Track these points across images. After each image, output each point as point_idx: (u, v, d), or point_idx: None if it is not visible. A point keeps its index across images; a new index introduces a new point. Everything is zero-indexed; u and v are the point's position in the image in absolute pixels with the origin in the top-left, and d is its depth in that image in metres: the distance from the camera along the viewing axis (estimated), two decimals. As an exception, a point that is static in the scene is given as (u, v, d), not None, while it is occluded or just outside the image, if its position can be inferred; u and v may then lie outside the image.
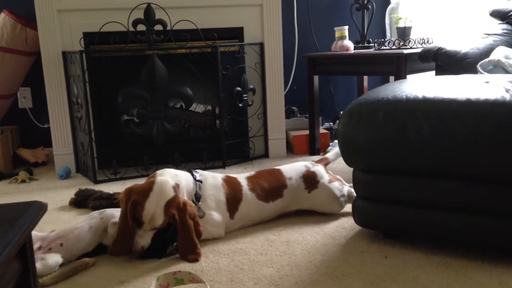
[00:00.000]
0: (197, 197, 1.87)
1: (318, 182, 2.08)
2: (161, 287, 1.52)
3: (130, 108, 3.21)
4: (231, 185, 1.98)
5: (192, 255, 1.72)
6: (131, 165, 2.93)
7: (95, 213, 1.87)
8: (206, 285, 1.51)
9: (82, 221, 1.82)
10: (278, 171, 2.11)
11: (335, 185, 2.09)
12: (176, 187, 1.75)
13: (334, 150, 2.29)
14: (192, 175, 1.92)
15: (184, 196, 1.80)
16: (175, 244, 1.77)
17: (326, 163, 2.24)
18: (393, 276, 1.56)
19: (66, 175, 2.96)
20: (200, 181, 1.91)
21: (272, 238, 1.91)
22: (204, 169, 2.81)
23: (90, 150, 2.82)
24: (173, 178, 1.78)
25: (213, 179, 1.97)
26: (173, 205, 1.70)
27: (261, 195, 2.01)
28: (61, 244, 1.71)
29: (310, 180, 2.08)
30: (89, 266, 1.71)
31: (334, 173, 2.22)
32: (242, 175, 2.09)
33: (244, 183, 2.02)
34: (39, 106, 3.42)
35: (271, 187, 2.04)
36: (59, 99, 3.01)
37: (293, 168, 2.12)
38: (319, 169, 2.13)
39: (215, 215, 1.90)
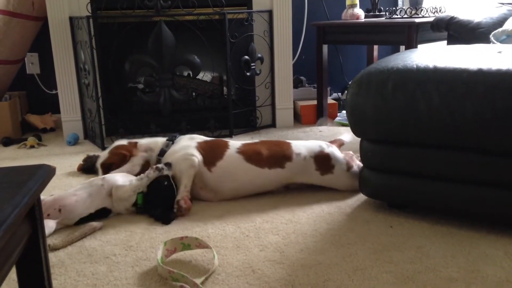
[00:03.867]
0: (161, 152, 2.11)
1: (333, 167, 2.02)
2: (168, 252, 1.54)
3: (138, 76, 3.19)
4: (213, 145, 2.08)
5: None
6: (138, 132, 2.94)
7: (97, 180, 1.88)
8: (212, 251, 1.53)
9: (80, 188, 1.85)
10: (287, 144, 2.08)
11: (355, 171, 2.02)
12: (134, 143, 2.17)
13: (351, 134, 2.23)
14: (171, 139, 2.16)
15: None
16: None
17: (340, 144, 2.21)
18: (398, 245, 1.57)
19: (74, 142, 2.98)
20: (172, 141, 2.14)
21: (278, 207, 1.92)
22: (211, 137, 2.80)
23: (97, 117, 2.82)
24: (133, 139, 2.21)
25: (188, 140, 2.11)
26: (119, 148, 2.14)
27: (253, 158, 2.01)
28: (59, 210, 1.75)
29: (323, 162, 2.03)
30: (97, 230, 1.74)
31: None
32: (242, 141, 2.13)
33: (234, 146, 2.07)
34: (46, 72, 3.42)
35: (271, 155, 2.03)
36: (67, 65, 3.00)
37: (306, 145, 2.07)
38: (334, 150, 2.06)
39: (182, 155, 1.99)
